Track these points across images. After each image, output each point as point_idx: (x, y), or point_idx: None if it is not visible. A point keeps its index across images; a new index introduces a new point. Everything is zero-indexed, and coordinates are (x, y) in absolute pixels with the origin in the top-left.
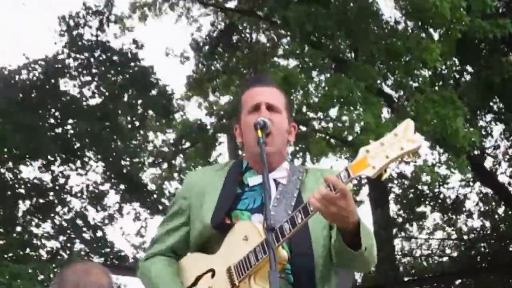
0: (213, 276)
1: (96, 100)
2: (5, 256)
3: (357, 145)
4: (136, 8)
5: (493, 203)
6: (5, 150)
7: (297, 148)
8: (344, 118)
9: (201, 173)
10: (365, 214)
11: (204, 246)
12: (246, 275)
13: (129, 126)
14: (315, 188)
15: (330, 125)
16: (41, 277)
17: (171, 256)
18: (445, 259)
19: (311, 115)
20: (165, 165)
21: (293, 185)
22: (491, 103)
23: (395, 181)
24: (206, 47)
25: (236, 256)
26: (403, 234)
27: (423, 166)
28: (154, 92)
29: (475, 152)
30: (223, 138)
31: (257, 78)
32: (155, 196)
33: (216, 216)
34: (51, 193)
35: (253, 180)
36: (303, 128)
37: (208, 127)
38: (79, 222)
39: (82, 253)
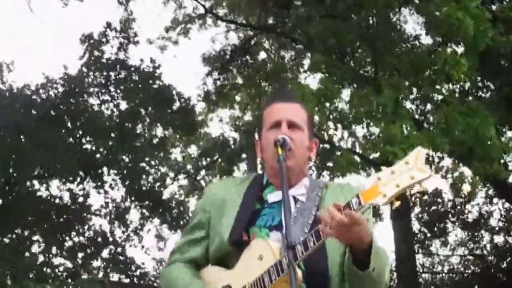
0: None
1: (117, 118)
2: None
3: (385, 159)
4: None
5: None
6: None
7: (322, 165)
8: (373, 130)
9: (222, 185)
10: (385, 230)
11: (223, 261)
12: None
13: (152, 142)
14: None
15: (357, 142)
16: None
17: (193, 267)
18: (466, 275)
19: (333, 131)
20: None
21: (312, 202)
22: None
23: (417, 198)
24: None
25: (251, 275)
26: (424, 250)
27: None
28: (175, 107)
29: (500, 167)
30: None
31: (280, 93)
32: (175, 211)
33: (234, 232)
34: (71, 211)
35: (272, 196)
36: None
37: (231, 142)
38: (99, 239)
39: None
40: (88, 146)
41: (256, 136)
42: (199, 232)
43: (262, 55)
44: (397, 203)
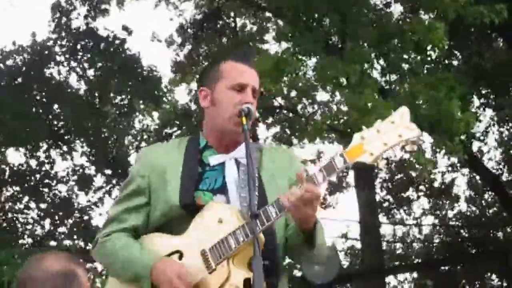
0: (180, 258)
1: (83, 87)
2: None
3: (349, 132)
4: None
5: (481, 189)
6: None
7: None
8: (337, 99)
9: (158, 150)
10: (350, 199)
11: (166, 227)
12: (224, 258)
13: (116, 112)
14: (271, 168)
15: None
16: None
17: (133, 236)
18: (432, 244)
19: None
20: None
21: (253, 164)
22: (481, 89)
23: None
24: (191, 31)
25: (210, 239)
26: (389, 219)
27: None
28: (142, 76)
29: (463, 138)
30: None
31: (245, 54)
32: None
33: (185, 196)
34: (37, 178)
35: (214, 159)
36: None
37: (194, 113)
38: (65, 206)
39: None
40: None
41: (201, 83)
42: (139, 199)
43: (231, 24)
44: (382, 162)
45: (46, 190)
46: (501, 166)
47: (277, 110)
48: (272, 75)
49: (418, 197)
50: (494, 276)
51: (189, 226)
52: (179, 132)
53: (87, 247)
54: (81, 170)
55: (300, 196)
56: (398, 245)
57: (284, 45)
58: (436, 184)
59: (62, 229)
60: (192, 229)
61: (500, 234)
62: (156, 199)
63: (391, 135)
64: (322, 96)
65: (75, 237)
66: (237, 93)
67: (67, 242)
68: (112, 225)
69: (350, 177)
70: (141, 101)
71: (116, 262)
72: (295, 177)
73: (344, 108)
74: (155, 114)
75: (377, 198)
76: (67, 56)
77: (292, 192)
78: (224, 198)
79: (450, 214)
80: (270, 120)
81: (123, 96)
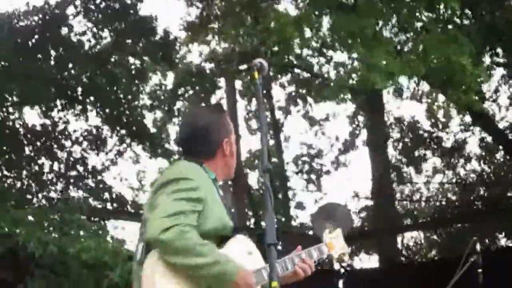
0: None
1: (97, 47)
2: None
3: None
4: None
5: (493, 148)
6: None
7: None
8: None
9: (201, 171)
10: (363, 160)
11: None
12: (260, 285)
13: (131, 71)
14: None
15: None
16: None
17: None
18: (443, 203)
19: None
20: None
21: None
22: (492, 48)
23: (394, 126)
24: None
25: (243, 267)
26: (401, 178)
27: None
28: (155, 37)
29: (475, 97)
30: (221, 83)
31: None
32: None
33: (234, 221)
34: (51, 137)
35: (220, 191)
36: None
37: (208, 71)
38: (79, 167)
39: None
40: (67, 75)
41: (222, 135)
42: (199, 206)
43: None
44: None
45: (60, 151)
46: None
47: (292, 70)
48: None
49: (433, 153)
50: (503, 235)
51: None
52: (192, 92)
53: (99, 206)
54: (95, 131)
55: (309, 267)
56: (410, 203)
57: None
58: (448, 144)
59: (75, 190)
60: (228, 251)
61: (510, 193)
62: (209, 212)
63: (340, 245)
64: (337, 56)
65: (88, 197)
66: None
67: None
68: (184, 218)
69: (363, 136)
70: (155, 62)
71: (202, 255)
72: None
73: (357, 65)
74: (170, 75)
75: (390, 157)
76: (81, 16)
77: (311, 263)
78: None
79: (462, 173)
80: (284, 79)
81: (137, 57)
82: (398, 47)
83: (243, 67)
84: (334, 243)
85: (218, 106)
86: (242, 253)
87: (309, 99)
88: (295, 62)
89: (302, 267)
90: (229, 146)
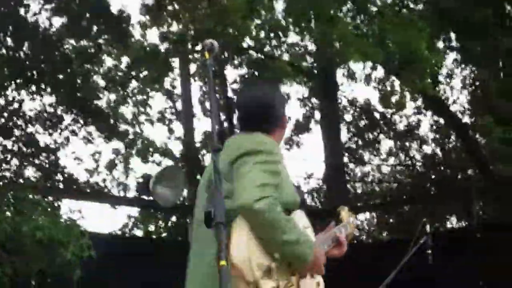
0: None
1: (53, 27)
2: None
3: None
4: None
5: (446, 132)
6: None
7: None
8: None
9: (277, 147)
10: (316, 141)
11: None
12: None
13: (87, 51)
14: None
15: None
16: None
17: None
18: (396, 185)
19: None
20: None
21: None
22: (445, 32)
23: (348, 108)
24: None
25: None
26: (353, 160)
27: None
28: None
29: (428, 80)
30: (176, 63)
31: None
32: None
33: (299, 195)
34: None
35: None
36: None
37: (162, 52)
38: (33, 147)
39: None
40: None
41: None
42: (277, 179)
43: None
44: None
45: (14, 129)
46: (464, 109)
47: (246, 52)
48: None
49: (386, 137)
50: (453, 217)
51: None
52: (146, 72)
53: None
54: (49, 110)
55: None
56: (362, 185)
57: None
58: (401, 127)
59: (29, 169)
60: None
61: (462, 176)
62: (283, 186)
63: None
64: (291, 38)
65: (42, 176)
66: None
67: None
68: (272, 191)
69: (316, 118)
70: (109, 42)
71: (291, 232)
72: None
73: (312, 48)
74: (124, 59)
75: (343, 139)
76: None
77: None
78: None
79: (415, 155)
80: (238, 61)
81: (91, 38)
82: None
83: (197, 48)
84: (349, 221)
85: (274, 81)
86: (300, 225)
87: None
88: (249, 44)
89: (341, 241)
90: (285, 118)
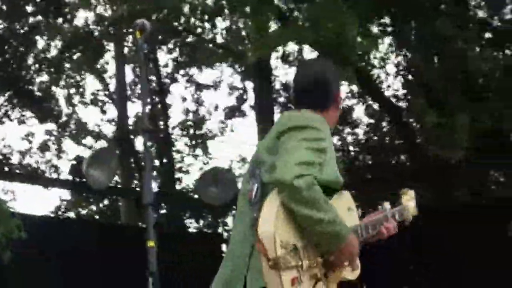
0: None
1: None
2: None
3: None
4: None
5: (379, 116)
6: None
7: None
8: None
9: (324, 124)
10: (250, 125)
11: None
12: (359, 241)
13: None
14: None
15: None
16: None
17: None
18: None
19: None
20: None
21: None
22: (380, 17)
23: (281, 92)
24: None
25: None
26: None
27: None
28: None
29: (362, 64)
30: (110, 46)
31: None
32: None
33: (342, 176)
34: None
35: None
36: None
37: (96, 35)
38: None
39: None
40: None
41: (336, 89)
42: (321, 157)
43: None
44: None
45: None
46: (398, 93)
47: (179, 35)
48: None
49: None
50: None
51: None
52: (80, 54)
53: None
54: None
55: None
56: None
57: None
58: None
59: None
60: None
61: (395, 160)
62: (327, 164)
63: (413, 206)
64: (224, 23)
65: None
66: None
67: None
68: (312, 169)
69: (250, 101)
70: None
71: (324, 211)
72: None
73: (243, 32)
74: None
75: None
76: None
77: (395, 224)
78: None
79: (349, 140)
80: (171, 44)
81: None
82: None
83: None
84: (409, 206)
85: (328, 59)
86: (343, 208)
87: (196, 65)
88: (182, 27)
89: (387, 226)
90: (341, 97)
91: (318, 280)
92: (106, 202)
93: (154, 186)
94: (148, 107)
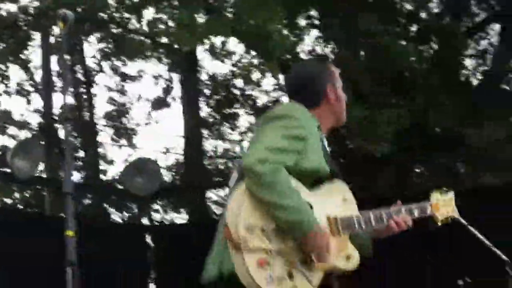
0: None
1: None
2: None
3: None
4: None
5: None
6: None
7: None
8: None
9: (310, 114)
10: (176, 116)
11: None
12: (350, 231)
13: None
14: None
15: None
16: None
17: None
18: None
19: (127, 15)
20: None
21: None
22: (306, 10)
23: (207, 83)
24: None
25: (334, 209)
26: (213, 135)
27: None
28: None
29: (288, 56)
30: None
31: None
32: None
33: (330, 165)
34: None
35: (324, 141)
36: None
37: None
38: None
39: None
40: None
41: (325, 82)
42: (298, 145)
43: None
44: (440, 223)
45: None
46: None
47: (104, 25)
48: None
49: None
50: None
51: (313, 190)
52: (4, 45)
53: None
54: None
55: (407, 224)
56: (221, 160)
57: None
58: (261, 102)
59: None
60: (320, 193)
61: None
62: (310, 152)
63: (450, 208)
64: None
65: None
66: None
67: None
68: (281, 155)
69: (176, 92)
70: None
71: (287, 197)
72: None
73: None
74: None
75: (202, 114)
76: None
77: (409, 219)
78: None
79: None
80: (96, 35)
81: None
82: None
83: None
84: (441, 204)
85: (322, 57)
86: (337, 198)
87: (121, 56)
88: (108, 18)
89: (396, 220)
90: (334, 92)
91: (293, 266)
92: (30, 192)
93: (78, 176)
94: (71, 97)
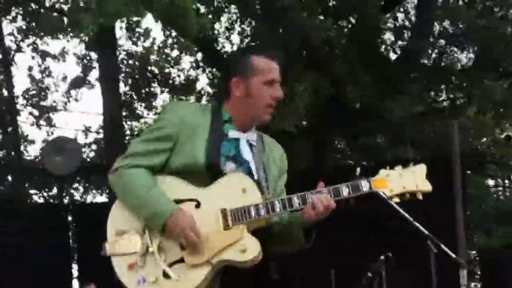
0: (197, 207)
1: None
2: None
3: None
4: None
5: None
6: None
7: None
8: None
9: (189, 108)
10: (96, 97)
11: (183, 177)
12: (242, 222)
13: None
14: (270, 156)
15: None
16: None
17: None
18: None
19: None
20: None
21: (260, 151)
22: None
23: (125, 62)
24: None
25: (231, 203)
26: (131, 114)
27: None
28: None
29: (206, 34)
30: None
31: (273, 52)
32: None
33: (211, 157)
34: None
35: (232, 133)
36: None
37: None
38: None
39: None
40: None
41: (232, 73)
42: (166, 144)
43: None
44: (395, 200)
45: None
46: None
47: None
48: None
49: (162, 92)
50: None
51: (208, 184)
52: None
53: None
54: None
55: (328, 204)
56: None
57: None
58: (178, 81)
59: None
60: (214, 188)
61: None
62: (181, 149)
63: (410, 182)
64: None
65: None
66: (268, 87)
67: None
68: (136, 158)
69: (95, 72)
70: None
71: (135, 196)
72: (280, 173)
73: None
74: None
75: (121, 93)
76: None
77: (328, 198)
78: (234, 166)
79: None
80: (15, 12)
81: None
82: None
83: None
84: (390, 179)
85: (257, 47)
86: (235, 190)
87: (41, 34)
88: None
89: (314, 201)
90: (243, 85)
91: (174, 262)
92: None
93: None
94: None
